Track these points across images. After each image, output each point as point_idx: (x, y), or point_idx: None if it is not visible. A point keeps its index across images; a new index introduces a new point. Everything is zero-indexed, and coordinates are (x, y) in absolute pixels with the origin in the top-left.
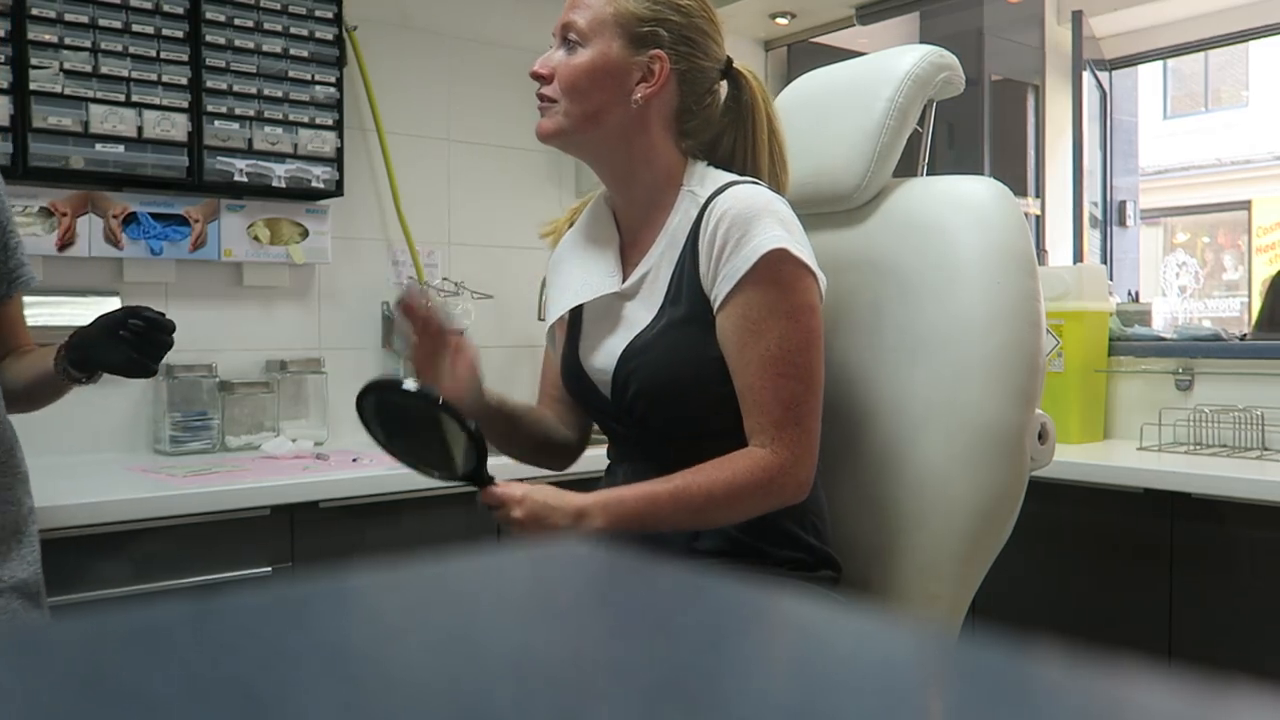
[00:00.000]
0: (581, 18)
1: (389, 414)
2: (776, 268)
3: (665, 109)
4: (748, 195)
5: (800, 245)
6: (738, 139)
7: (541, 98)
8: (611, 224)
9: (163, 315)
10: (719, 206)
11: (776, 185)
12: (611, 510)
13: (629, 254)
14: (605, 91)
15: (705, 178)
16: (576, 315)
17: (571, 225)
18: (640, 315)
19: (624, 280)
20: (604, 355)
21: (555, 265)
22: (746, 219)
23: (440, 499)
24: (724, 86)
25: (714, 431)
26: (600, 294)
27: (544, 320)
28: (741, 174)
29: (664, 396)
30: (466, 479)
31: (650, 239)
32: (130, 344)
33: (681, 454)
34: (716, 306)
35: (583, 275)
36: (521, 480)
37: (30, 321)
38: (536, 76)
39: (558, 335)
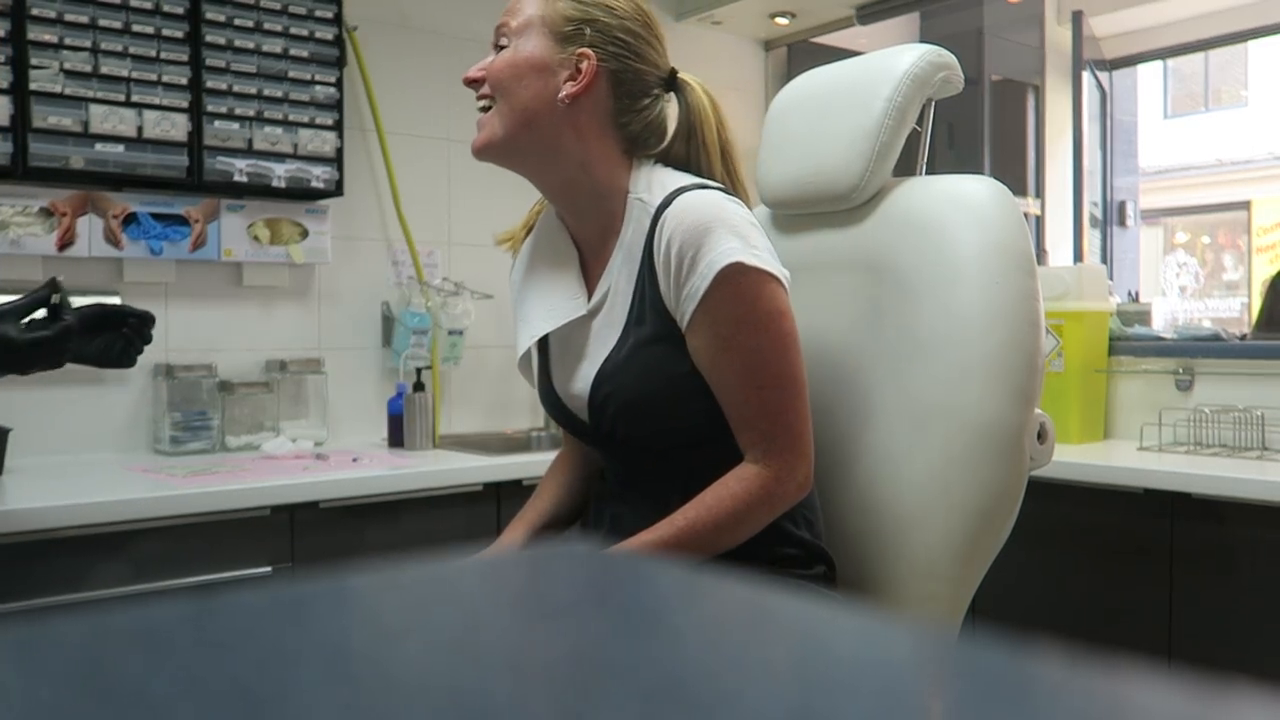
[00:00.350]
0: (512, 19)
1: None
2: (736, 280)
3: (599, 110)
4: (696, 205)
5: (755, 251)
6: (690, 150)
7: (480, 105)
8: (567, 239)
9: (147, 314)
10: (669, 221)
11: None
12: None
13: (589, 269)
14: (531, 89)
15: (652, 182)
16: (544, 341)
17: (529, 231)
18: (607, 335)
19: (589, 299)
20: (579, 380)
21: (517, 288)
22: (698, 234)
23: (440, 499)
24: (671, 98)
25: (696, 441)
26: (567, 319)
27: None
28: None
29: (641, 416)
30: None
31: (607, 252)
32: (122, 337)
33: (666, 465)
34: (684, 327)
35: (546, 301)
36: None
37: None
38: (470, 82)
39: (533, 361)
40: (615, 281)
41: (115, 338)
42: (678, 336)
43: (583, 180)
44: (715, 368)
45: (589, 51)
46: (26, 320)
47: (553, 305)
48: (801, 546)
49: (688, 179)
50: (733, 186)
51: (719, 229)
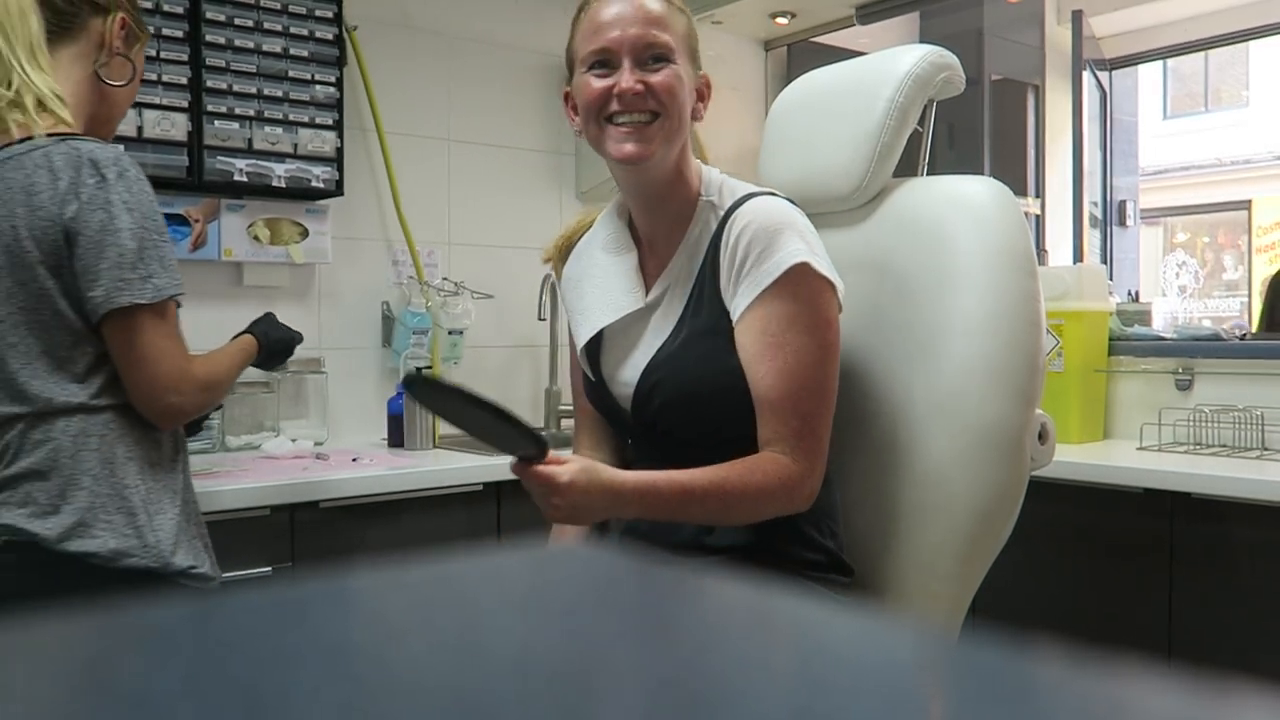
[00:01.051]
0: (667, 36)
1: (442, 397)
2: (798, 282)
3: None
4: (770, 208)
5: (821, 258)
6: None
7: (637, 117)
8: (629, 236)
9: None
10: (741, 218)
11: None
12: (648, 501)
13: (647, 266)
14: (686, 106)
15: (723, 188)
16: (597, 334)
17: (569, 246)
18: (662, 327)
19: (646, 294)
20: (628, 369)
21: (574, 283)
22: (770, 232)
23: (440, 499)
24: None
25: (732, 436)
26: (626, 312)
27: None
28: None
29: (688, 407)
30: (523, 457)
31: (670, 250)
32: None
33: (702, 462)
34: (736, 317)
35: (605, 294)
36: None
37: None
38: (636, 93)
39: (582, 360)
40: (676, 277)
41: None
42: (729, 330)
43: (681, 188)
44: (759, 360)
45: (706, 75)
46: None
47: (613, 299)
48: (824, 553)
49: (755, 187)
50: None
51: (790, 232)
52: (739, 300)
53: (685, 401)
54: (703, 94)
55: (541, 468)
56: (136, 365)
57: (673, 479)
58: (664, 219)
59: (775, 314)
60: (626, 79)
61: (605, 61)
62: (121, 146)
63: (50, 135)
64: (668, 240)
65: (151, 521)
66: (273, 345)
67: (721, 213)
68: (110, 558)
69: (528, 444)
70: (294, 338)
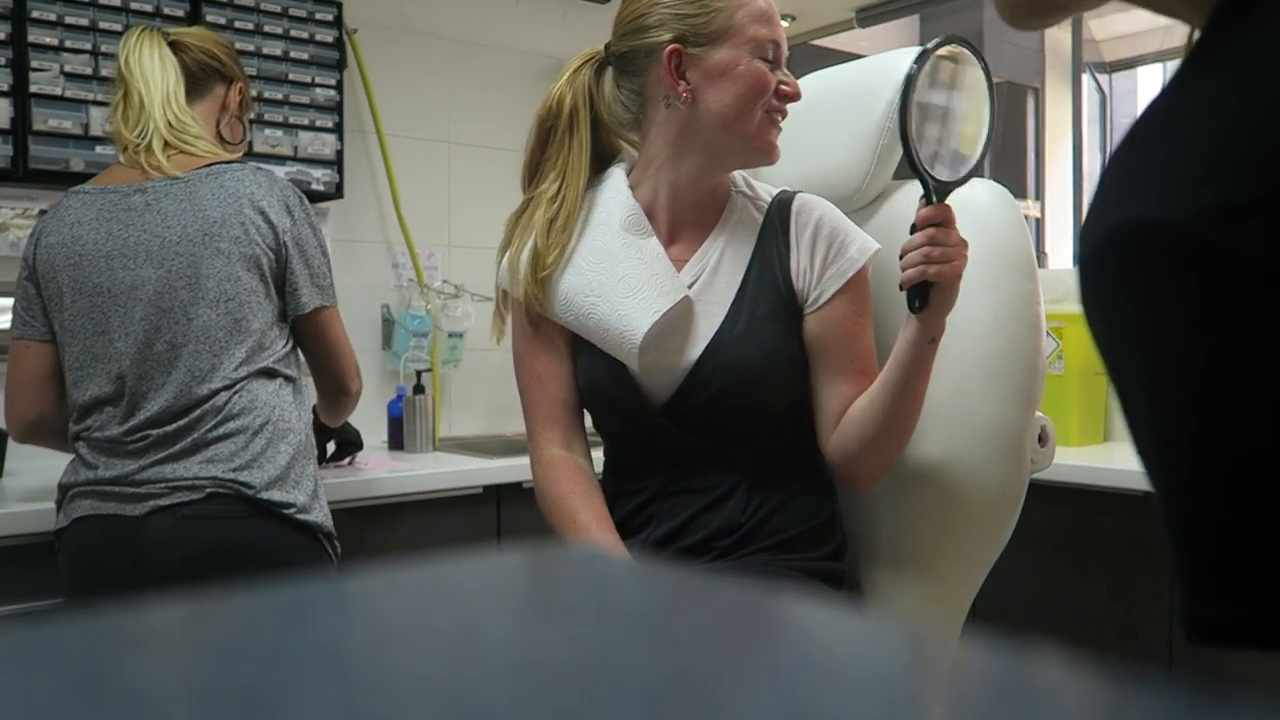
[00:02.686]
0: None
1: (939, 87)
2: (867, 273)
3: None
4: (825, 203)
5: None
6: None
7: (781, 115)
8: (646, 221)
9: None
10: (808, 211)
11: None
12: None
13: (672, 254)
14: None
15: (750, 182)
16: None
17: (558, 251)
18: (708, 312)
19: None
20: (673, 355)
21: (594, 263)
22: (843, 224)
23: (440, 502)
24: None
25: (772, 429)
26: (680, 297)
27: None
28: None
29: (745, 392)
30: (939, 187)
31: (697, 235)
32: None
33: (733, 453)
34: (818, 303)
35: (650, 277)
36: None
37: None
38: (797, 96)
39: (563, 345)
40: (713, 262)
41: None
42: (791, 318)
43: (725, 178)
44: (855, 337)
45: None
46: None
47: (659, 283)
48: (825, 556)
49: (776, 188)
50: None
51: (851, 228)
52: (824, 287)
53: (745, 386)
54: None
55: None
56: (331, 355)
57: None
58: (697, 205)
59: (861, 295)
60: (791, 82)
61: (770, 52)
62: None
63: (229, 164)
64: (695, 225)
65: (317, 486)
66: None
67: (763, 204)
68: (301, 509)
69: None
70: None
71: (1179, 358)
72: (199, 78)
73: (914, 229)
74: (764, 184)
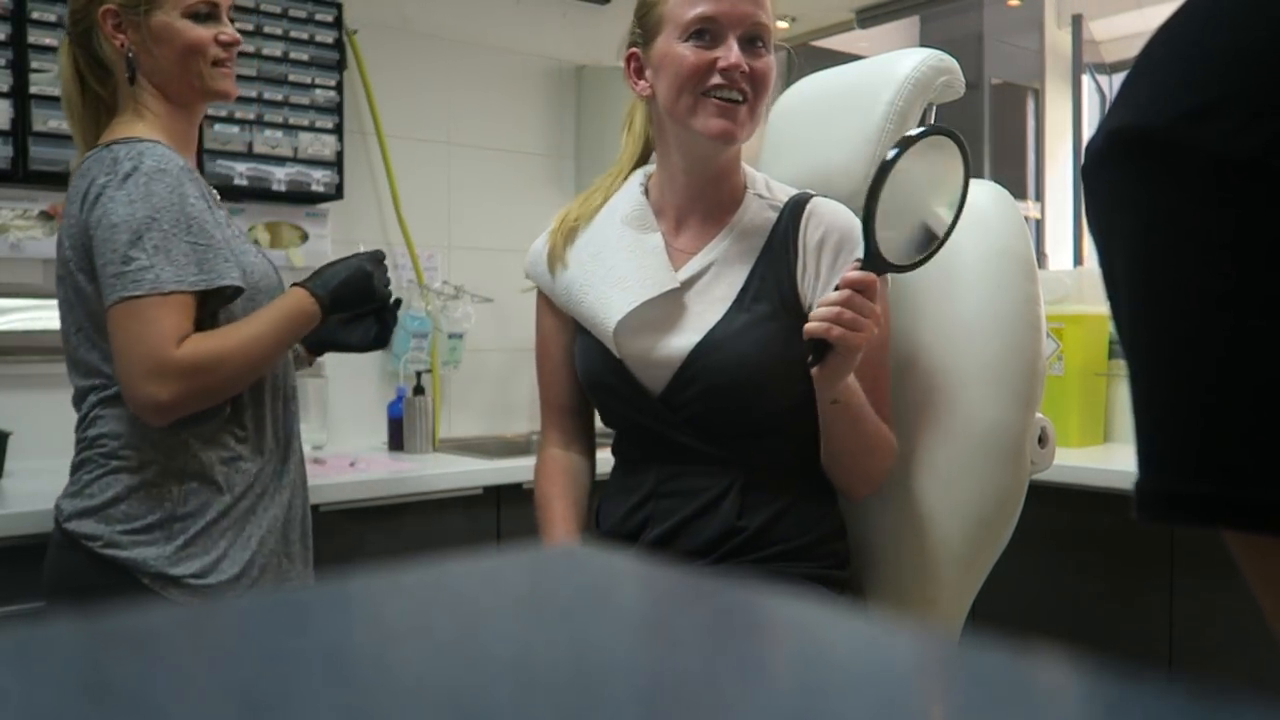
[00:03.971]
0: (769, 22)
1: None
2: (875, 284)
3: None
4: (841, 210)
5: None
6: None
7: (731, 94)
8: (652, 217)
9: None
10: (818, 218)
11: None
12: (852, 383)
13: (674, 250)
14: (771, 100)
15: (769, 184)
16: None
17: (567, 243)
18: (706, 309)
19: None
20: (666, 349)
21: (590, 256)
22: (852, 232)
23: (440, 503)
24: None
25: (765, 430)
26: (664, 289)
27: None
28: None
29: (737, 390)
30: (884, 266)
31: (706, 233)
32: (380, 322)
33: (729, 453)
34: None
35: (637, 269)
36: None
37: (32, 325)
38: (741, 70)
39: (572, 333)
40: (718, 261)
41: (369, 323)
42: (792, 320)
43: (732, 174)
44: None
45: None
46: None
47: (646, 275)
48: (825, 558)
49: (803, 189)
50: None
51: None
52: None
53: (737, 383)
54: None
55: (861, 296)
56: (115, 358)
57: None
58: (706, 202)
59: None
60: (735, 55)
61: (707, 32)
62: (164, 149)
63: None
64: (704, 222)
65: (166, 521)
66: (336, 293)
67: (779, 206)
68: (108, 542)
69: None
70: (361, 274)
71: (1154, 248)
72: (97, 64)
73: (837, 287)
74: (784, 185)
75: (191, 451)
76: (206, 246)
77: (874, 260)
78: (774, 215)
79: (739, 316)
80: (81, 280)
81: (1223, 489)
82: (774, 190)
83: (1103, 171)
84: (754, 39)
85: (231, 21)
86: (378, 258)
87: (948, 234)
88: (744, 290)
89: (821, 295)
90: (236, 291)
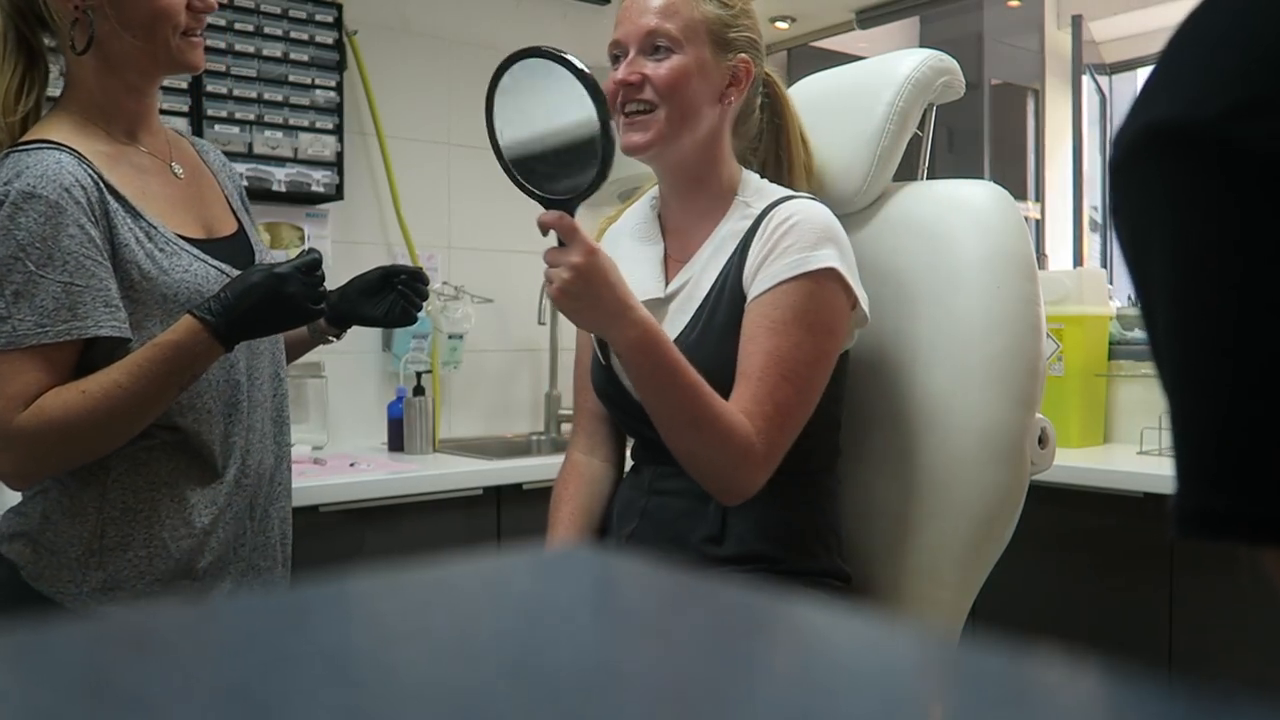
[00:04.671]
0: (673, 24)
1: (526, 96)
2: (820, 284)
3: (733, 113)
4: (819, 213)
5: (852, 273)
6: (774, 144)
7: (636, 106)
8: (657, 229)
9: (419, 269)
10: (784, 213)
11: (809, 175)
12: (645, 341)
13: (672, 259)
14: (699, 94)
15: (761, 191)
16: None
17: (602, 236)
18: (679, 319)
19: (666, 285)
20: None
21: None
22: (815, 234)
23: (440, 503)
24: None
25: None
26: (643, 300)
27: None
28: (771, 178)
29: None
30: (552, 202)
31: (696, 246)
32: (399, 295)
33: None
34: (750, 295)
35: (628, 280)
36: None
37: None
38: (629, 84)
39: (592, 342)
40: (698, 272)
41: (394, 298)
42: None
43: (712, 181)
44: (754, 339)
45: (747, 58)
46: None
47: (633, 286)
48: (825, 559)
49: (793, 191)
50: (810, 176)
51: (829, 240)
52: (758, 284)
53: None
54: (737, 79)
55: (560, 249)
56: None
57: (673, 350)
58: (693, 211)
59: (785, 303)
60: (622, 70)
61: (619, 56)
62: (55, 157)
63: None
64: (695, 233)
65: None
66: (235, 305)
67: (755, 213)
68: None
69: (588, 163)
70: (254, 283)
71: (1197, 252)
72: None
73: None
74: (780, 190)
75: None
76: (84, 289)
77: (536, 197)
78: (748, 223)
79: (696, 328)
80: None
81: (1271, 508)
82: (761, 196)
83: (1138, 168)
84: (654, 47)
85: None
86: (308, 265)
87: (602, 161)
88: (707, 300)
89: (754, 287)
90: (117, 343)
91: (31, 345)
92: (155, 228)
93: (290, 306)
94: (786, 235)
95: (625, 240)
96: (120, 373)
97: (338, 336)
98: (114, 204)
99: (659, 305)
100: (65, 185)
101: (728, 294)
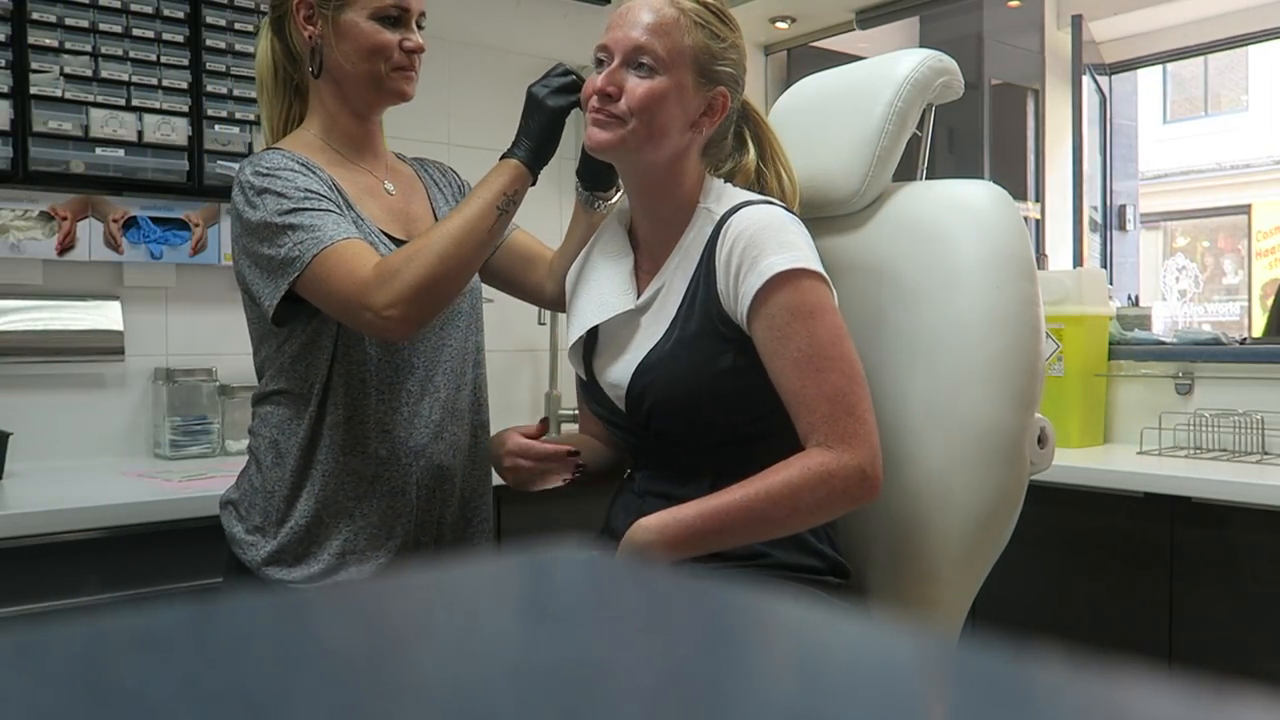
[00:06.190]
0: (660, 45)
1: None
2: (789, 281)
3: (704, 137)
4: (760, 217)
5: (808, 261)
6: (766, 166)
7: (606, 114)
8: (626, 241)
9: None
10: (734, 226)
11: (786, 200)
12: (669, 533)
13: (642, 270)
14: (674, 120)
15: (722, 195)
16: (591, 332)
17: (573, 263)
18: (653, 330)
19: (638, 296)
20: (618, 371)
21: (571, 285)
22: (759, 242)
23: None
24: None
25: (728, 440)
26: (616, 313)
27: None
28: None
29: (678, 408)
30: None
31: (665, 255)
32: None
33: (696, 463)
34: (746, 324)
35: (598, 295)
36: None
37: (30, 325)
38: (605, 94)
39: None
40: (669, 281)
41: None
42: (723, 335)
43: (675, 193)
44: (776, 356)
45: (725, 91)
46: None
47: (604, 300)
48: (820, 557)
49: (752, 195)
50: (788, 199)
51: (776, 240)
52: (740, 307)
53: (675, 403)
54: (713, 110)
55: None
56: (324, 304)
57: (694, 505)
58: (659, 222)
59: (774, 309)
60: (601, 80)
61: (604, 60)
62: (278, 154)
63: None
64: (663, 244)
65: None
66: (536, 143)
67: (716, 219)
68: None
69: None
70: (543, 109)
71: None
72: (285, 33)
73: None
74: (740, 194)
75: None
76: (341, 215)
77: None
78: (710, 228)
79: (671, 337)
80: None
81: None
82: (722, 201)
83: None
84: (638, 63)
85: (420, 29)
86: (561, 84)
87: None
88: (680, 310)
89: (738, 312)
90: None
91: (346, 239)
92: (363, 219)
93: (552, 109)
94: (744, 252)
95: (596, 256)
96: (454, 215)
97: (605, 199)
98: (335, 192)
99: (632, 316)
100: (303, 160)
101: (700, 303)
